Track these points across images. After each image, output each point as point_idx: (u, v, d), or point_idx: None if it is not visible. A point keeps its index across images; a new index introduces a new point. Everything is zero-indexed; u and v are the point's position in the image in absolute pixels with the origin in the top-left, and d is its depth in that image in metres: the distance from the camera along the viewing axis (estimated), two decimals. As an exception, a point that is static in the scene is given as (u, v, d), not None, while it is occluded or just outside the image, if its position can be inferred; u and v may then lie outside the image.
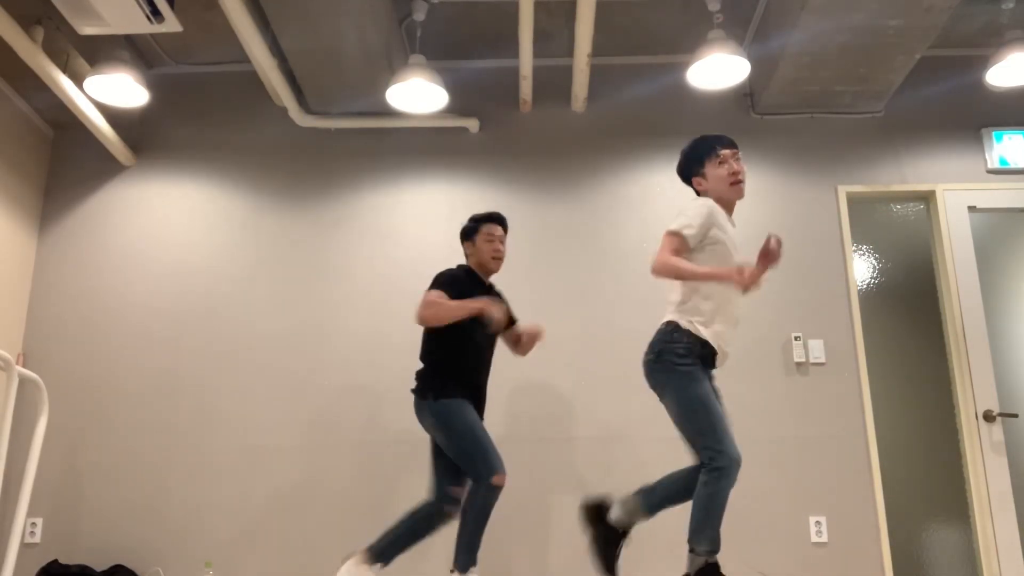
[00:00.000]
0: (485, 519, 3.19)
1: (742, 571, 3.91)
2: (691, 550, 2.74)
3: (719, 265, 2.90)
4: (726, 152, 3.06)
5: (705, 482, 2.73)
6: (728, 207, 3.07)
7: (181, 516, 4.12)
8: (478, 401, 3.42)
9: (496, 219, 3.57)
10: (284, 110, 4.71)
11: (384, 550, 3.23)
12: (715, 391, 2.94)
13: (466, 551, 3.17)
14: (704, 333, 2.88)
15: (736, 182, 3.04)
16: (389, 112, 4.54)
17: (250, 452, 4.20)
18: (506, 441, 4.14)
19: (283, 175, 4.61)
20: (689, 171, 3.14)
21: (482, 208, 4.48)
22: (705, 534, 2.71)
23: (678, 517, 4.06)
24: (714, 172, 3.06)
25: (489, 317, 3.24)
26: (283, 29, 3.88)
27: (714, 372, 3.00)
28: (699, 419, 2.78)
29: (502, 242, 3.55)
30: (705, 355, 2.90)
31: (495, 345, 3.54)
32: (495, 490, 3.17)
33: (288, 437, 4.21)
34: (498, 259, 3.52)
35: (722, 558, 3.81)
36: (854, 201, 4.51)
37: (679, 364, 2.84)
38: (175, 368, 4.33)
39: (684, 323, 2.89)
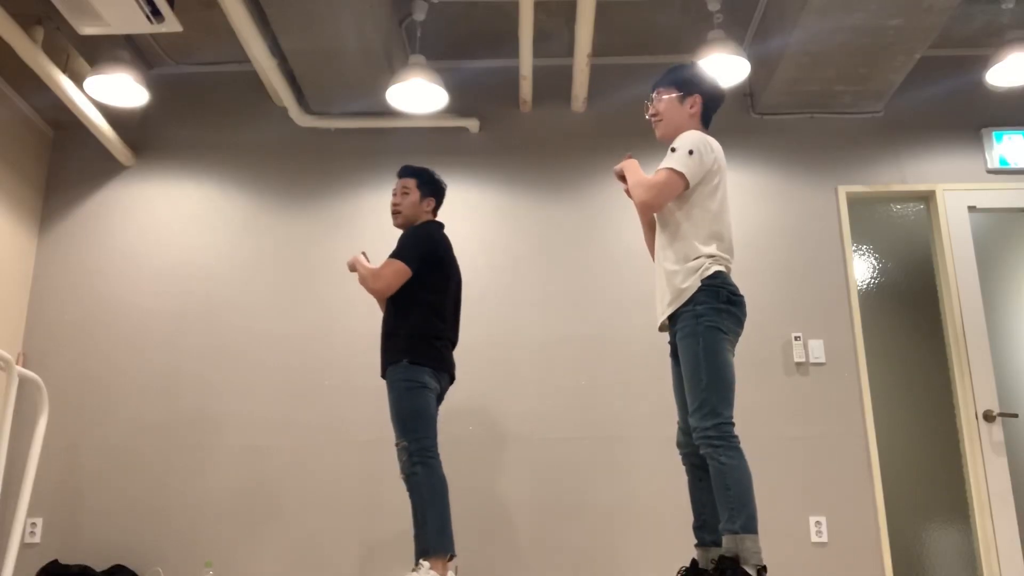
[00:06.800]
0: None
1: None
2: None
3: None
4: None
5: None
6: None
7: (181, 516, 4.12)
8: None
9: (398, 173, 3.55)
10: (284, 110, 4.71)
11: None
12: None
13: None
14: None
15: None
16: (389, 112, 4.54)
17: (250, 452, 4.20)
18: (507, 441, 4.14)
19: (283, 175, 4.61)
20: (688, 87, 2.84)
21: (482, 207, 4.49)
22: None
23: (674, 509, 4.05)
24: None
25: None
26: (283, 29, 3.88)
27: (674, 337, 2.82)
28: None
29: (399, 194, 3.48)
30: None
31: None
32: None
33: (288, 437, 4.21)
34: (394, 213, 3.49)
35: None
36: (854, 201, 4.51)
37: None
38: (175, 368, 4.33)
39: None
